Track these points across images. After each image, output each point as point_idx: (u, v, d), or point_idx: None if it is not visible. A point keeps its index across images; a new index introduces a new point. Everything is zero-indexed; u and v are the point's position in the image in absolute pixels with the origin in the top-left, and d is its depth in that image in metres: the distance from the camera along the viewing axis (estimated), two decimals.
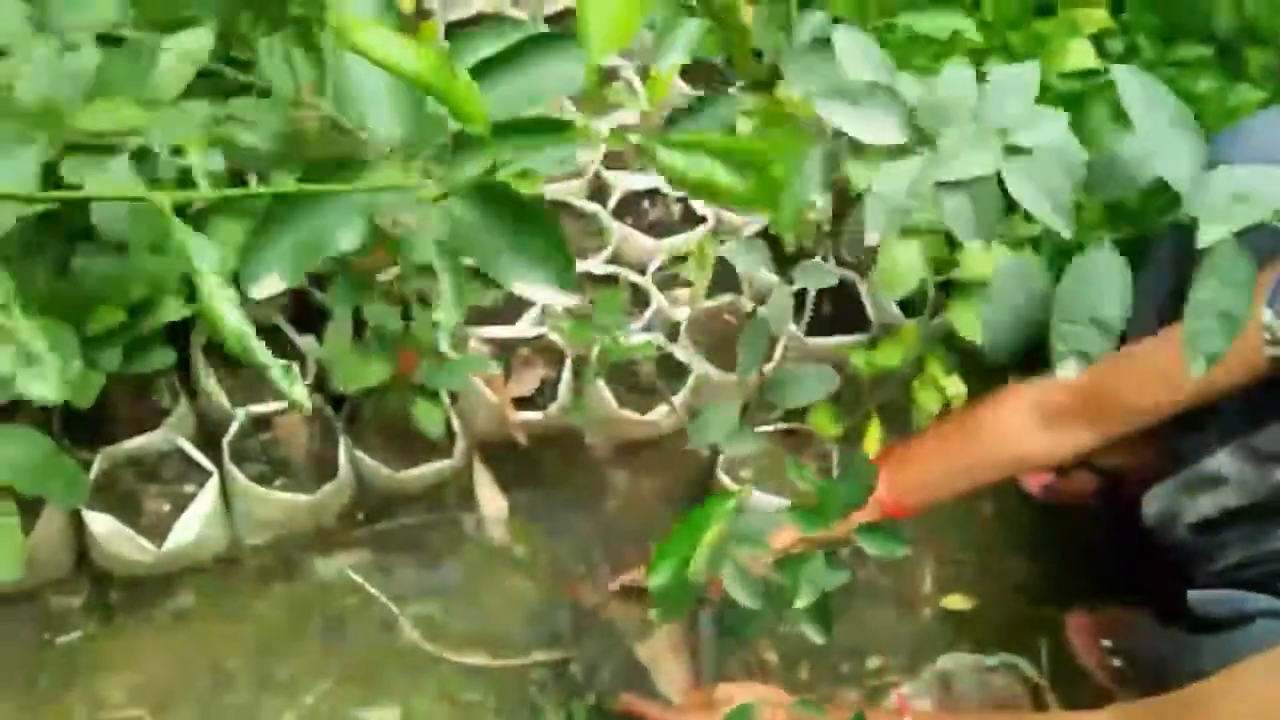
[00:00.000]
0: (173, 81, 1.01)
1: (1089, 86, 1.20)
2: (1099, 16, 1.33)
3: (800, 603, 0.85)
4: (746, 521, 0.87)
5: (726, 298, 1.44)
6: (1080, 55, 1.23)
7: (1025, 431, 1.06)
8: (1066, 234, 0.61)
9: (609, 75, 1.58)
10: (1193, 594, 1.01)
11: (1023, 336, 0.67)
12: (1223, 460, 1.02)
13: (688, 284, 1.48)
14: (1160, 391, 1.01)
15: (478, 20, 1.57)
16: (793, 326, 1.40)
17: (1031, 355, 0.70)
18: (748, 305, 1.44)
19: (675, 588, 0.82)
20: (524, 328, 1.33)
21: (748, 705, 0.94)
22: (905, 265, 1.13)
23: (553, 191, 1.45)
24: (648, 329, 1.40)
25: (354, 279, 1.16)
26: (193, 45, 1.04)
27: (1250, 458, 1.00)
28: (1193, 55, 1.39)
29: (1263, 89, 1.37)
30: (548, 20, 1.64)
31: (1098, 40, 1.38)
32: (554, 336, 1.33)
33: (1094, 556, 1.37)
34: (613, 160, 1.51)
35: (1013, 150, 0.62)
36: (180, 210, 1.10)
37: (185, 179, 1.07)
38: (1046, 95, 1.23)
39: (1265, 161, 1.07)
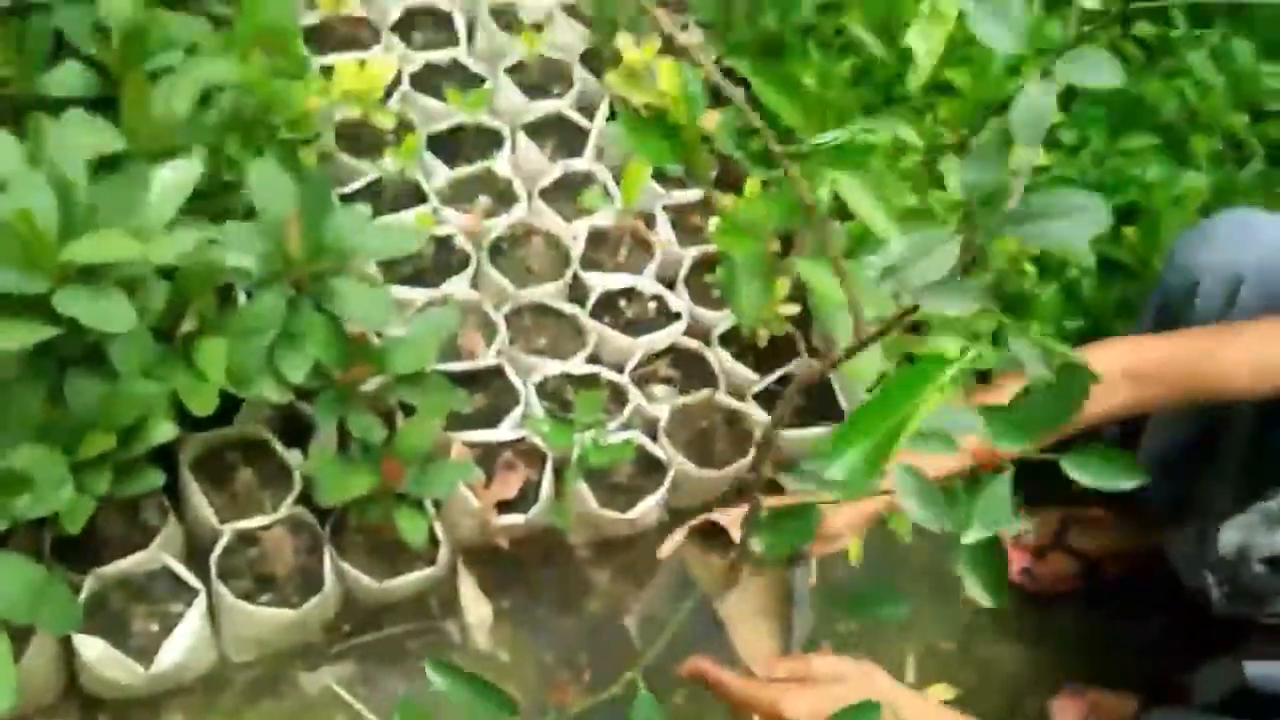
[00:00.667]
0: (164, 209, 1.05)
1: (1038, 181, 1.26)
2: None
3: (970, 536, 0.66)
4: (938, 415, 0.65)
5: (703, 393, 1.47)
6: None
7: (1110, 384, 1.01)
8: None
9: (584, 179, 1.63)
10: (1251, 667, 0.99)
11: None
12: None
13: (666, 380, 1.52)
14: (1256, 376, 1.00)
15: (459, 130, 1.62)
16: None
17: None
18: (725, 400, 1.47)
19: (861, 474, 0.55)
20: (505, 431, 1.36)
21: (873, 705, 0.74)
22: (869, 358, 1.16)
23: (533, 295, 1.49)
24: (627, 426, 1.43)
25: (339, 391, 1.18)
26: (183, 173, 1.08)
27: None
28: (1140, 144, 1.46)
29: (1209, 175, 1.44)
30: (508, 72, 1.69)
31: (1050, 133, 1.44)
32: (535, 439, 1.35)
33: (1079, 643, 1.39)
34: (591, 262, 1.56)
35: None
36: (170, 333, 1.13)
37: (175, 302, 1.10)
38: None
39: (1230, 264, 1.12)
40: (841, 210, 1.09)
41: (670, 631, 0.83)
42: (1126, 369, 1.02)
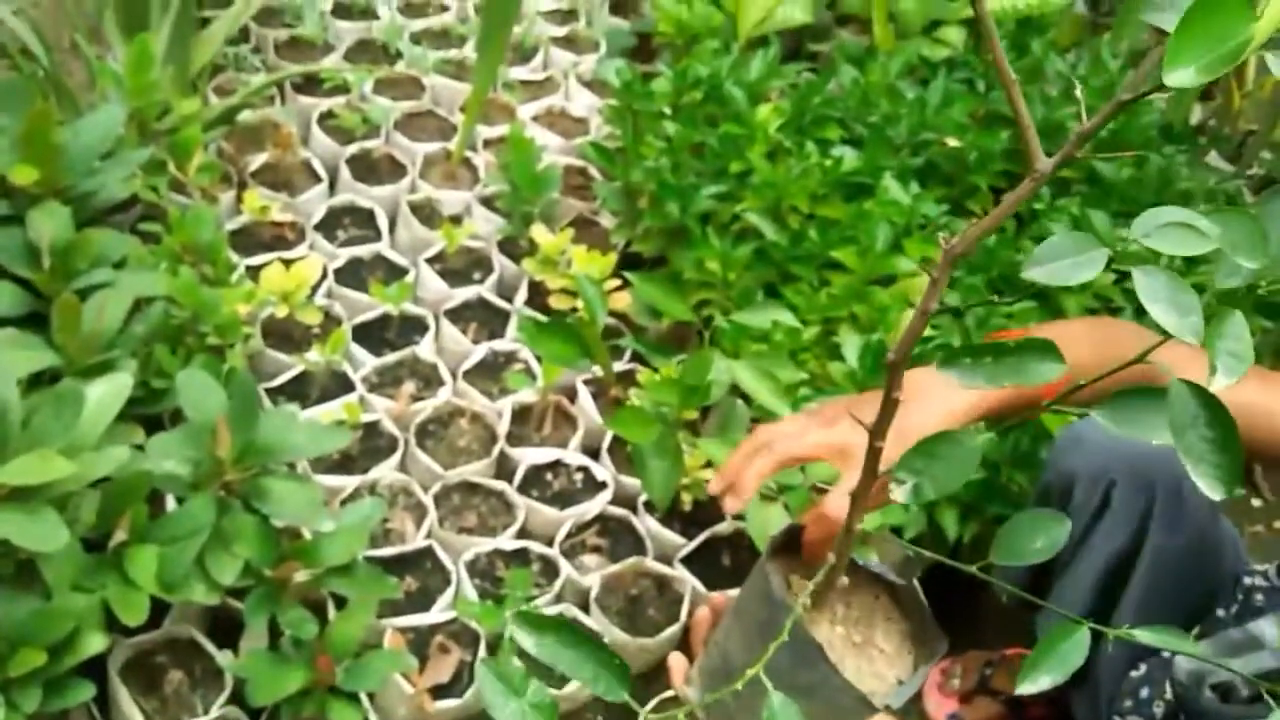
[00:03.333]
0: (96, 425, 1.09)
1: (921, 351, 1.36)
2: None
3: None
4: None
5: (631, 560, 1.51)
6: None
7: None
8: None
9: (507, 359, 1.71)
10: None
11: None
12: (1265, 625, 1.04)
13: (596, 549, 1.56)
14: None
15: (384, 319, 1.70)
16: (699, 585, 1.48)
17: None
18: (653, 566, 1.52)
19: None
20: (437, 613, 1.38)
21: None
22: (769, 520, 1.22)
23: (461, 474, 1.54)
24: (559, 599, 1.46)
25: (269, 588, 1.21)
26: (114, 388, 1.12)
27: None
28: (1020, 307, 1.58)
29: None
30: (429, 262, 1.77)
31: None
32: (467, 619, 1.38)
33: None
34: (516, 438, 1.62)
35: None
36: (102, 542, 1.15)
37: (106, 512, 1.13)
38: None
39: (1101, 468, 1.18)
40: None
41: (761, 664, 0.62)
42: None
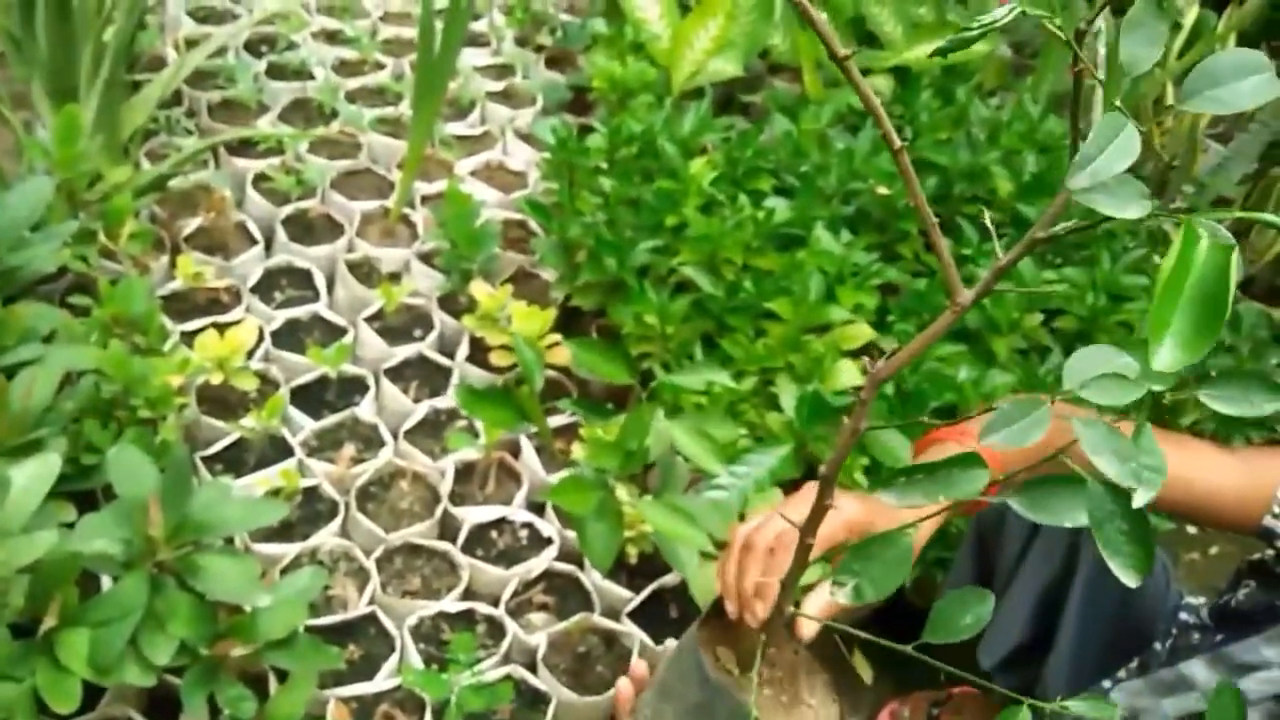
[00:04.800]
0: (23, 508, 1.07)
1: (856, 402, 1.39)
2: (864, 331, 1.55)
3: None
4: None
5: (578, 617, 1.51)
6: (848, 374, 1.42)
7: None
8: None
9: (449, 416, 1.70)
10: None
11: None
12: (1195, 667, 1.06)
13: (543, 607, 1.56)
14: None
15: (322, 381, 1.69)
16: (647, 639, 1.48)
17: None
18: (600, 622, 1.51)
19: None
20: (382, 681, 1.37)
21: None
22: (710, 579, 1.23)
23: (404, 536, 1.53)
24: (506, 659, 1.45)
25: (206, 665, 1.19)
26: (42, 470, 1.11)
27: (1222, 667, 1.03)
28: (950, 350, 1.61)
29: (1012, 372, 1.60)
30: (368, 321, 1.77)
31: (868, 347, 1.59)
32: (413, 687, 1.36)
33: None
34: (459, 497, 1.61)
35: None
36: (31, 626, 1.13)
37: (35, 596, 1.11)
38: (825, 409, 1.42)
39: None
40: None
41: None
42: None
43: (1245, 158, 2.06)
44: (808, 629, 0.80)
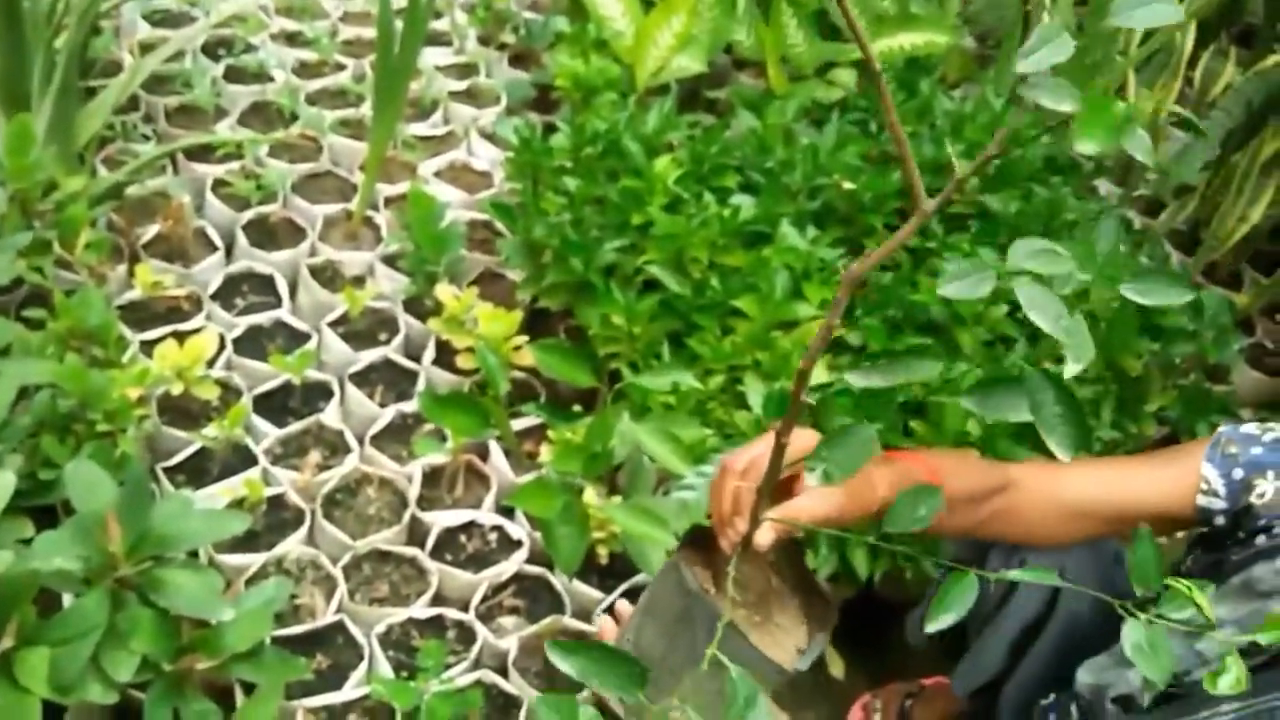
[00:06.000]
0: None
1: (825, 397, 1.39)
2: None
3: None
4: None
5: (549, 619, 1.50)
6: (816, 370, 1.42)
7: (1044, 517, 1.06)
8: None
9: (416, 420, 1.69)
10: None
11: None
12: None
13: (513, 610, 1.55)
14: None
15: (286, 388, 1.67)
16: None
17: None
18: (571, 623, 1.51)
19: None
20: (350, 690, 1.35)
21: None
22: (652, 546, 1.22)
23: (371, 543, 1.52)
24: (477, 664, 1.44)
25: (170, 680, 1.17)
26: None
27: (1177, 630, 1.07)
28: (915, 343, 1.61)
29: (979, 363, 1.60)
30: (332, 325, 1.75)
31: (836, 342, 1.59)
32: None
33: None
34: (427, 501, 1.60)
35: None
36: None
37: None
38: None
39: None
40: None
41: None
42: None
43: (1207, 145, 2.07)
44: (764, 536, 0.82)
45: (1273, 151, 2.04)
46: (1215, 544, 1.02)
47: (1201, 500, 1.00)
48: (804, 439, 0.84)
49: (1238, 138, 2.01)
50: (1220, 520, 1.00)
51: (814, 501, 0.86)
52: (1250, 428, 1.01)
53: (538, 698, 0.69)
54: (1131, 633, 0.70)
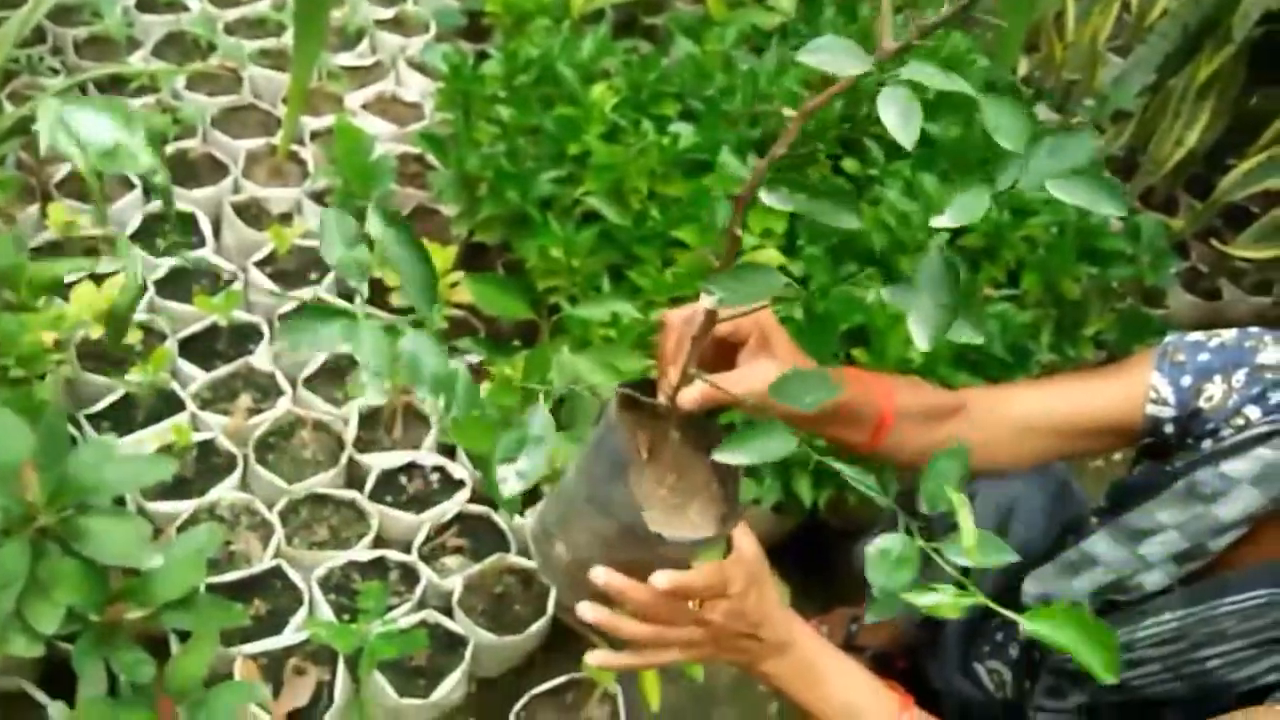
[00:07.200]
0: None
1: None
2: (773, 256, 1.52)
3: None
4: None
5: (494, 558, 1.48)
6: None
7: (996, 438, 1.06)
8: None
9: (351, 361, 1.64)
10: None
11: None
12: (1098, 542, 1.08)
13: (457, 550, 1.53)
14: None
15: (213, 331, 1.61)
16: None
17: None
18: (516, 561, 1.49)
19: None
20: (291, 635, 1.33)
21: None
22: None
23: (308, 486, 1.48)
24: (421, 605, 1.42)
25: (99, 631, 1.13)
26: None
27: (1122, 536, 1.06)
28: (859, 271, 1.60)
29: None
30: (259, 265, 1.69)
31: (780, 273, 1.57)
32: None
33: None
34: (365, 443, 1.56)
35: None
36: None
37: None
38: None
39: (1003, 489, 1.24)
40: None
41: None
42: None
43: (1144, 70, 2.07)
44: (688, 394, 0.80)
45: (1208, 75, 2.04)
46: (1162, 454, 1.03)
47: (1150, 409, 1.00)
48: (763, 370, 0.83)
49: (1174, 62, 2.01)
50: (1169, 429, 1.00)
51: (747, 374, 0.85)
52: (1196, 335, 1.01)
53: None
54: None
